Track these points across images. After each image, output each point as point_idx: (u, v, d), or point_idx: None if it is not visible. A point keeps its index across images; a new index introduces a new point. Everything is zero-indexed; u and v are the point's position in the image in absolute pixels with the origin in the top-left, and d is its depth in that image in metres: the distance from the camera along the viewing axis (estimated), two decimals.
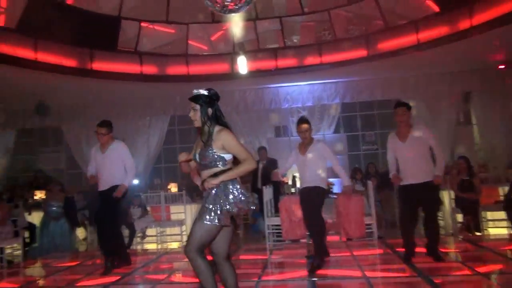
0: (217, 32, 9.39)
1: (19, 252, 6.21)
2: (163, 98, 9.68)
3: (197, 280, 2.79)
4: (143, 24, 8.43)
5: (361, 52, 7.58)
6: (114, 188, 4.75)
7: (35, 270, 5.72)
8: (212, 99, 2.76)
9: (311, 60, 7.93)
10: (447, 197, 7.00)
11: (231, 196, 2.63)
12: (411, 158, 4.34)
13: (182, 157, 2.92)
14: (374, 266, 4.62)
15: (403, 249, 4.64)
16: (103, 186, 4.81)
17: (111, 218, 4.85)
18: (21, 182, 10.06)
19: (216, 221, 2.58)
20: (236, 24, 7.23)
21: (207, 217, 2.59)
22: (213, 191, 2.64)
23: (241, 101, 9.87)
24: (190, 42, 9.32)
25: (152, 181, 9.64)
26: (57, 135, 10.64)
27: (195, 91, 2.78)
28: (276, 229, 6.36)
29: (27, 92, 8.25)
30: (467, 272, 4.09)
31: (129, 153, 4.91)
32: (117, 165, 4.81)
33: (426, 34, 6.93)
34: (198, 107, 2.73)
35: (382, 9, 7.89)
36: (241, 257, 5.76)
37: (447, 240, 6.15)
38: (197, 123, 2.77)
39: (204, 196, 2.73)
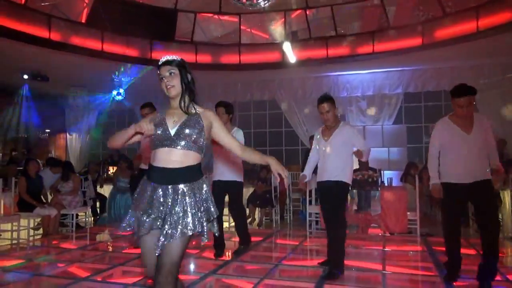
0: (279, 21, 9.50)
1: (90, 219, 7.16)
2: (224, 85, 10.10)
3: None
4: (208, 14, 8.95)
5: (416, 41, 7.16)
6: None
7: (96, 236, 6.49)
8: (187, 65, 2.30)
9: (363, 49, 7.69)
10: (508, 197, 6.43)
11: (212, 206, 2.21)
12: (472, 152, 3.51)
13: (148, 126, 2.13)
14: (399, 262, 4.50)
15: (446, 262, 3.82)
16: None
17: None
18: (102, 158, 11.29)
19: (201, 229, 2.10)
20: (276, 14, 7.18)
21: (191, 225, 2.06)
22: (188, 193, 2.11)
23: (299, 89, 9.90)
24: (252, 30, 9.60)
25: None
26: (132, 116, 11.66)
27: (165, 57, 2.26)
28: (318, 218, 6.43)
29: (103, 78, 9.22)
30: (496, 278, 3.84)
31: None
32: None
33: (487, 21, 6.32)
34: (176, 70, 2.21)
35: None
36: (277, 241, 5.97)
37: (504, 244, 5.72)
38: (174, 91, 2.22)
39: (162, 197, 2.12)
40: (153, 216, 2.10)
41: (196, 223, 2.07)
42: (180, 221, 2.05)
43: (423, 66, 8.88)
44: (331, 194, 3.85)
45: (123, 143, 2.24)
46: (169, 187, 2.12)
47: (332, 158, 3.88)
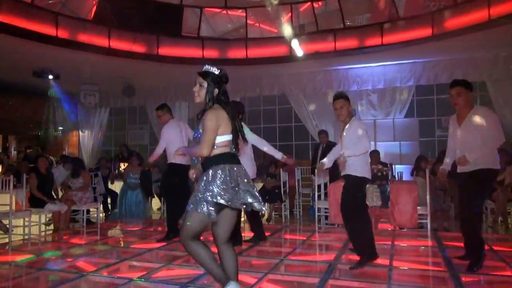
0: (288, 14, 9.41)
1: (102, 215, 7.22)
2: (234, 80, 10.03)
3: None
4: (215, 9, 8.97)
5: (426, 31, 6.98)
6: (170, 165, 5.38)
7: (105, 231, 6.53)
8: (221, 80, 2.63)
9: (372, 41, 7.55)
10: None
11: (215, 188, 2.51)
12: (464, 144, 3.75)
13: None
14: (408, 257, 4.42)
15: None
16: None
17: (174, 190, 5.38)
18: (113, 155, 11.41)
19: (207, 213, 2.50)
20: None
21: (200, 207, 2.50)
22: (203, 180, 2.56)
23: (308, 84, 9.80)
24: (261, 25, 9.55)
25: None
26: (143, 113, 11.76)
27: (206, 67, 2.66)
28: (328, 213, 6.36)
29: (115, 75, 9.29)
30: (508, 273, 3.73)
31: (165, 132, 5.42)
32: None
33: (500, 9, 6.10)
34: (205, 84, 2.61)
35: None
36: (285, 236, 5.93)
37: None
38: (198, 99, 2.66)
39: (198, 182, 2.63)
40: None
41: (198, 203, 2.51)
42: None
43: (435, 58, 8.69)
44: (345, 187, 4.07)
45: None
46: None
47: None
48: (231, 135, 2.66)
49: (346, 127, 4.07)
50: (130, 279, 3.62)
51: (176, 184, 5.33)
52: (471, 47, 7.61)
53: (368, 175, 4.07)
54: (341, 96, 4.09)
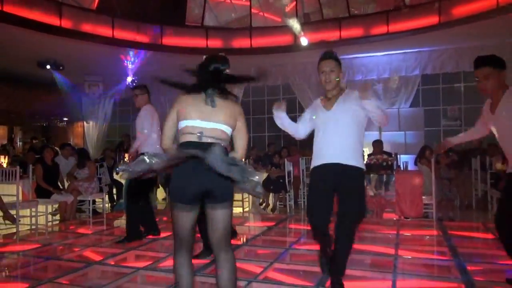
0: (291, 3, 9.32)
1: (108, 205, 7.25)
2: (238, 71, 9.97)
3: None
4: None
5: (433, 19, 6.89)
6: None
7: (111, 221, 6.58)
8: None
9: (377, 29, 7.47)
10: None
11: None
12: (502, 137, 2.92)
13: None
14: (413, 246, 4.42)
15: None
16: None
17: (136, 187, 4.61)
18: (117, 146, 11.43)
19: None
20: None
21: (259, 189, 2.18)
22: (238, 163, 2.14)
23: (313, 73, 9.72)
24: (265, 14, 9.47)
25: None
26: None
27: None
28: None
29: (117, 66, 9.26)
30: None
31: (145, 118, 4.44)
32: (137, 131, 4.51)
33: None
34: None
35: None
36: (290, 226, 5.95)
37: None
38: None
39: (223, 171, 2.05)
40: None
41: None
42: None
43: (441, 47, 8.60)
44: (348, 184, 2.89)
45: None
46: None
47: (339, 135, 2.88)
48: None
49: (340, 99, 2.91)
50: (137, 268, 3.65)
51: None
52: (478, 35, 7.50)
53: None
54: (331, 57, 2.96)
